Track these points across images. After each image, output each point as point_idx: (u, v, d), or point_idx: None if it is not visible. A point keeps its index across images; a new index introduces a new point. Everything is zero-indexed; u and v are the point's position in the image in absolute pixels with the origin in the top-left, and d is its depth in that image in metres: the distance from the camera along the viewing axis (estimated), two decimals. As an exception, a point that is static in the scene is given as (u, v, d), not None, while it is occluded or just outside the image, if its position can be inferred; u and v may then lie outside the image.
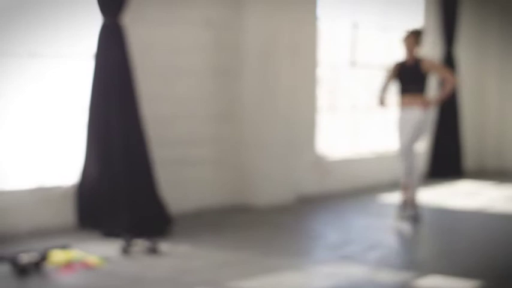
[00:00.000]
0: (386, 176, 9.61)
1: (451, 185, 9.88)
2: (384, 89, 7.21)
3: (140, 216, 6.38)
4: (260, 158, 7.92)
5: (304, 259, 5.69)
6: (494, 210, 8.03)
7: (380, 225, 7.14)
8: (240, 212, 7.62)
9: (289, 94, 8.27)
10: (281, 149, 8.07)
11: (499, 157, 11.60)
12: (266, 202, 7.91)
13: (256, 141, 7.91)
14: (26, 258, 5.01)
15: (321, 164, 8.93)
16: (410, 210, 7.20)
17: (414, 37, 7.09)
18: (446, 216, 7.66)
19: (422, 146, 10.34)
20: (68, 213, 6.55)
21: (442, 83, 7.29)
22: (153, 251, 5.67)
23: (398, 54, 7.24)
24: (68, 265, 5.15)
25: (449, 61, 10.56)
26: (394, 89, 7.45)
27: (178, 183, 7.31)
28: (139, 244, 5.75)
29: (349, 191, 9.07)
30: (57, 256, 5.20)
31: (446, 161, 10.68)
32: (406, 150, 7.06)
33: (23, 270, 4.95)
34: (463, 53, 11.06)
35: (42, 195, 6.40)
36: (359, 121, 9.86)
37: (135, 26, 6.76)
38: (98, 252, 5.59)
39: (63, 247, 5.43)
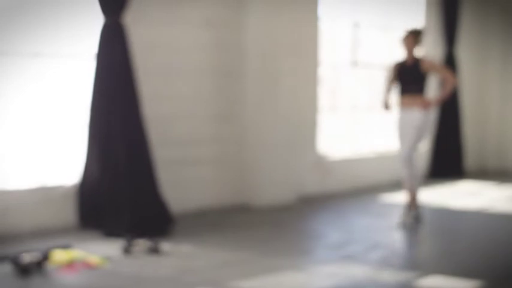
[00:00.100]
0: (387, 176, 9.62)
1: (452, 185, 9.88)
2: (388, 92, 7.17)
3: (141, 216, 6.38)
4: (261, 157, 7.93)
5: (306, 259, 5.70)
6: (495, 210, 8.03)
7: (382, 225, 7.14)
8: (241, 211, 7.62)
9: (290, 94, 8.28)
10: (282, 148, 8.08)
11: (500, 157, 11.60)
12: (267, 202, 7.92)
13: (257, 141, 7.92)
14: (27, 258, 5.02)
15: (322, 164, 8.93)
16: (412, 211, 7.19)
17: (413, 37, 7.05)
18: (447, 216, 7.66)
19: (424, 146, 10.35)
20: (69, 213, 6.56)
21: (442, 83, 7.26)
22: (154, 250, 5.67)
23: (399, 54, 7.22)
24: (70, 265, 5.15)
25: (450, 61, 10.56)
26: (396, 90, 7.43)
27: (180, 183, 7.31)
28: (141, 244, 5.75)
29: (350, 191, 9.07)
30: (59, 256, 5.20)
31: (447, 161, 10.68)
32: (408, 156, 7.02)
33: (24, 270, 4.96)
34: (464, 53, 11.06)
35: (44, 195, 6.41)
36: (360, 121, 9.86)
37: (136, 26, 6.76)
38: (99, 252, 5.59)
39: (65, 247, 5.43)
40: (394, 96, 7.20)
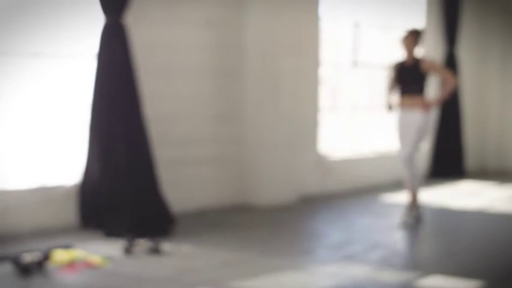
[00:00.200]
0: (388, 176, 9.62)
1: (452, 185, 9.88)
2: (390, 92, 7.15)
3: (142, 216, 6.39)
4: (261, 157, 7.93)
5: (306, 259, 5.70)
6: (495, 210, 8.03)
7: (382, 224, 7.14)
8: (242, 211, 7.62)
9: (290, 94, 8.28)
10: (282, 148, 8.08)
11: (500, 157, 11.61)
12: (268, 202, 7.92)
13: (258, 140, 7.92)
14: (28, 257, 5.02)
15: (322, 163, 8.93)
16: (413, 211, 7.19)
17: (413, 37, 7.03)
18: (448, 216, 7.66)
19: (425, 146, 10.35)
20: (70, 213, 6.56)
21: (443, 84, 7.25)
22: (155, 250, 5.67)
23: (399, 54, 7.21)
24: (71, 265, 5.16)
25: (450, 61, 10.56)
26: (396, 91, 7.42)
27: (181, 183, 7.32)
28: (142, 244, 5.75)
29: (350, 191, 9.07)
30: (60, 256, 5.20)
31: (448, 161, 10.68)
32: (409, 157, 7.01)
33: (25, 270, 4.96)
34: (464, 53, 11.07)
35: (45, 194, 6.41)
36: (360, 121, 9.86)
37: (137, 26, 6.76)
38: (100, 252, 5.60)
39: (66, 247, 5.44)
40: (396, 97, 7.19)
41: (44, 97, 6.57)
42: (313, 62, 8.76)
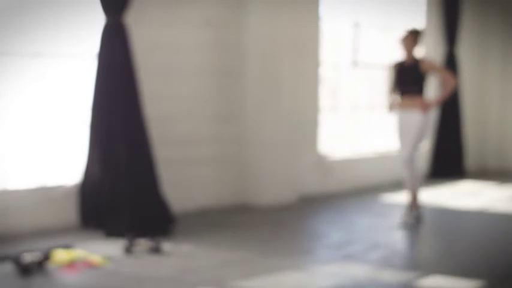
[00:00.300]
0: (388, 176, 9.62)
1: (452, 185, 9.88)
2: (391, 93, 7.14)
3: (142, 215, 6.39)
4: (262, 157, 7.93)
5: (307, 259, 5.70)
6: (495, 210, 8.03)
7: (382, 224, 7.14)
8: (243, 211, 7.63)
9: (290, 94, 8.28)
10: (283, 148, 8.08)
11: (500, 157, 11.61)
12: (268, 202, 7.93)
13: (258, 140, 7.92)
14: (29, 257, 5.03)
15: (322, 163, 8.94)
16: (413, 211, 7.19)
17: (413, 37, 7.02)
18: (448, 216, 7.66)
19: (425, 146, 10.35)
20: (70, 213, 6.56)
21: (443, 84, 7.24)
22: (155, 250, 5.68)
23: (399, 54, 7.21)
24: (71, 264, 5.16)
25: (451, 61, 10.56)
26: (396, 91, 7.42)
27: (181, 183, 7.32)
28: (142, 243, 5.76)
29: (350, 191, 9.07)
30: (60, 256, 5.21)
31: (448, 161, 10.68)
32: (409, 157, 7.01)
33: (26, 270, 4.97)
34: (464, 53, 11.07)
35: (45, 194, 6.41)
36: (360, 121, 9.86)
37: (137, 26, 6.77)
38: (100, 251, 5.60)
39: (66, 246, 5.44)
40: (397, 97, 7.18)
41: (44, 97, 6.57)
42: (313, 62, 8.76)
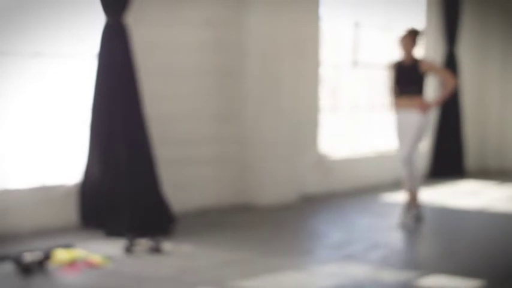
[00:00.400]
0: (388, 176, 9.62)
1: (452, 185, 9.88)
2: (392, 92, 7.13)
3: (143, 215, 6.39)
4: (263, 157, 7.94)
5: (307, 258, 5.70)
6: (496, 209, 8.03)
7: (382, 224, 7.14)
8: (243, 211, 7.63)
9: (291, 94, 8.28)
10: (283, 148, 8.08)
11: (500, 157, 11.61)
12: (269, 201, 7.93)
13: (258, 140, 7.93)
14: (29, 257, 5.03)
15: (323, 163, 8.94)
16: (413, 210, 7.20)
17: (411, 37, 7.00)
18: (448, 216, 7.66)
19: (424, 146, 10.35)
20: (70, 213, 6.56)
21: (443, 84, 7.24)
22: (156, 250, 5.68)
23: (398, 53, 7.20)
24: (72, 264, 5.16)
25: (451, 61, 10.56)
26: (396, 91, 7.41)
27: (181, 183, 7.33)
28: (143, 243, 5.76)
29: (351, 191, 9.08)
30: (61, 255, 5.21)
31: (448, 161, 10.68)
32: (408, 157, 7.01)
33: (26, 269, 4.97)
34: (464, 53, 11.07)
35: (45, 194, 6.42)
36: (360, 121, 9.87)
37: (137, 25, 6.77)
38: (101, 251, 5.60)
39: (67, 246, 5.44)
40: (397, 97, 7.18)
41: (44, 97, 6.57)
42: (313, 62, 8.76)
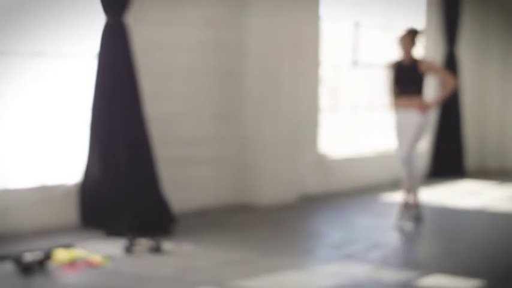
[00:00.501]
0: (388, 175, 9.63)
1: (452, 185, 9.89)
2: (392, 92, 7.13)
3: (143, 215, 6.39)
4: (262, 157, 7.94)
5: (307, 258, 5.71)
6: (495, 209, 8.04)
7: (382, 224, 7.15)
8: (243, 211, 7.63)
9: (291, 94, 8.28)
10: (283, 148, 8.09)
11: (500, 157, 11.61)
12: (269, 201, 7.93)
13: (258, 140, 7.93)
14: (29, 257, 5.03)
15: (323, 163, 8.94)
16: (413, 210, 7.20)
17: (411, 37, 7.00)
18: (448, 216, 7.67)
19: (424, 146, 10.36)
20: (70, 212, 6.57)
21: (442, 84, 7.24)
22: (156, 250, 5.68)
23: (398, 53, 7.20)
24: (72, 264, 5.16)
25: (451, 61, 10.56)
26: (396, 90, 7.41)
27: (181, 183, 7.33)
28: (143, 243, 5.76)
29: (350, 191, 9.08)
30: (61, 255, 5.21)
31: (448, 161, 10.69)
32: (407, 156, 7.01)
33: (27, 269, 4.97)
34: (464, 53, 11.07)
35: (45, 194, 6.42)
36: (360, 121, 9.87)
37: (137, 25, 6.77)
38: (101, 251, 5.61)
39: (67, 246, 5.44)
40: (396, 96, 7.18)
41: (45, 97, 6.57)
42: (313, 62, 8.76)
